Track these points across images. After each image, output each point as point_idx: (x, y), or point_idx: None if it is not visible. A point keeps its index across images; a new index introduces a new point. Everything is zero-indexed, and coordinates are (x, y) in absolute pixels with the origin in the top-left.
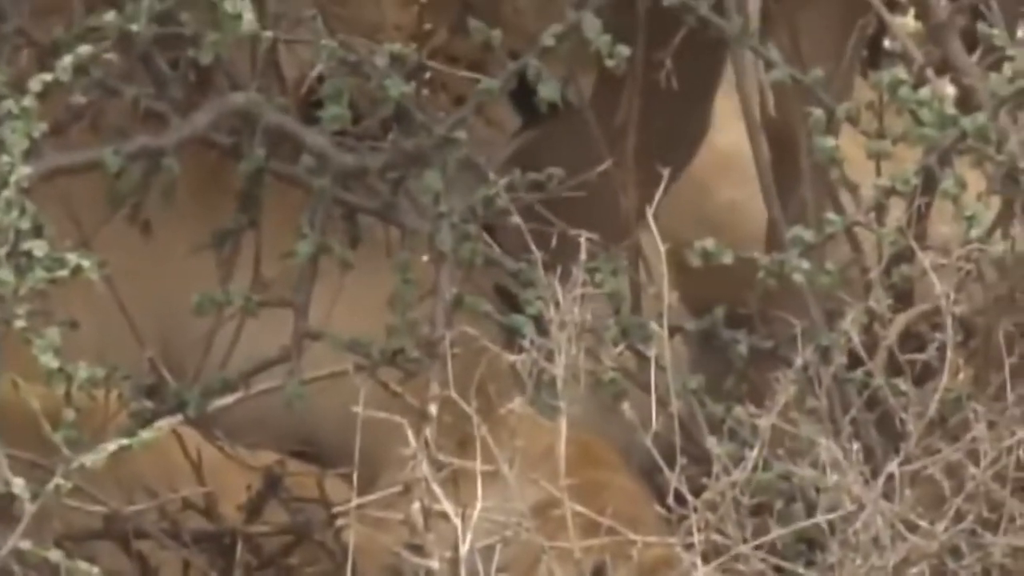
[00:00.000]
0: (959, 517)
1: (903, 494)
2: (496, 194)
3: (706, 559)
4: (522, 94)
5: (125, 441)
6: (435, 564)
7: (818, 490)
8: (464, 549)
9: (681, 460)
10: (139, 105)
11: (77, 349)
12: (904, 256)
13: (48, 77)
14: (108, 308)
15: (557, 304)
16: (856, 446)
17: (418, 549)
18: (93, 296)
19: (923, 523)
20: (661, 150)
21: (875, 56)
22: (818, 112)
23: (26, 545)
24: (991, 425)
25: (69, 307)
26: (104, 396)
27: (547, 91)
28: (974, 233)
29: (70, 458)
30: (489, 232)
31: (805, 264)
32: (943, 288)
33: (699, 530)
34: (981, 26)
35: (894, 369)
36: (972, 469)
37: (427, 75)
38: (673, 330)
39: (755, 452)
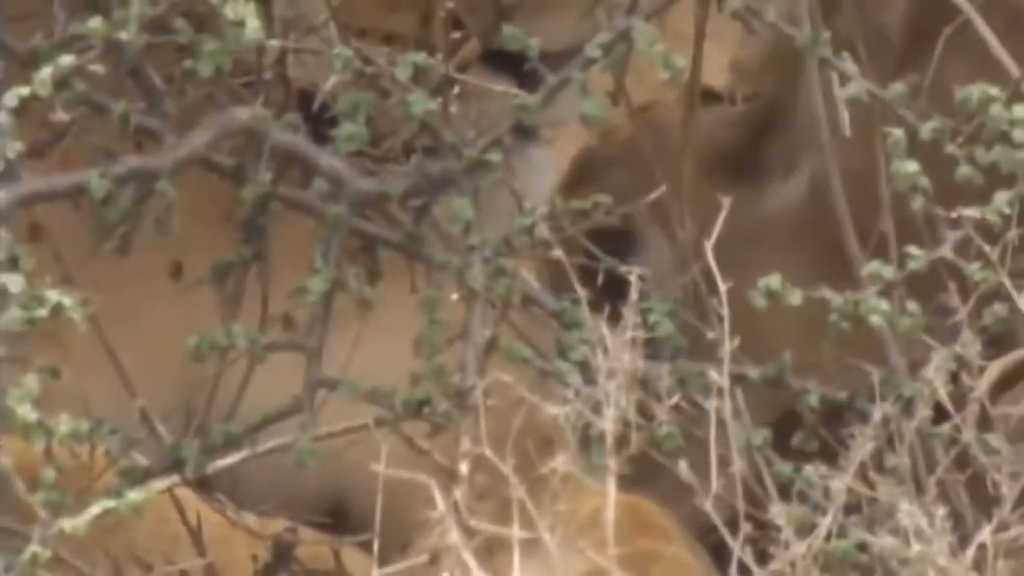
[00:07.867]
0: None
1: (996, 566)
2: (535, 223)
3: None
4: None
5: (111, 503)
6: None
7: (900, 561)
8: None
9: (745, 526)
10: (129, 122)
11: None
12: (997, 295)
13: (25, 91)
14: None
15: (605, 349)
16: (943, 511)
17: None
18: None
19: None
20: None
21: None
22: (898, 132)
23: None
24: None
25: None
26: (90, 453)
27: (592, 108)
28: None
29: (49, 522)
30: None
31: (884, 305)
32: None
33: None
34: None
35: (986, 424)
36: None
37: (456, 90)
38: (735, 379)
39: (828, 518)
